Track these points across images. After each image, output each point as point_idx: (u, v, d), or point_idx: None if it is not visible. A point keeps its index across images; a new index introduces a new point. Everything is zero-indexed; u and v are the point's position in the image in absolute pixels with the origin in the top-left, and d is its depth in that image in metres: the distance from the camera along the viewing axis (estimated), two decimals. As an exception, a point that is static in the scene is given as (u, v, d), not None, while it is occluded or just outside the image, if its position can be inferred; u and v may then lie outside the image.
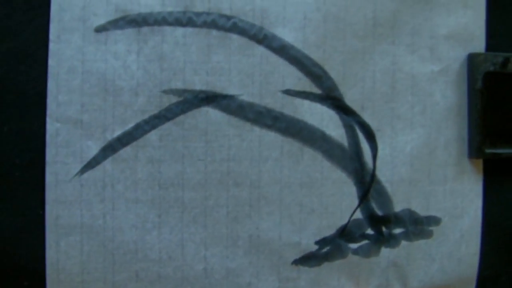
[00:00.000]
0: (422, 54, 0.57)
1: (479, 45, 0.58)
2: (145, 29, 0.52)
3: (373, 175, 0.56)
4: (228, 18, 0.53)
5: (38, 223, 0.51)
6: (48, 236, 0.51)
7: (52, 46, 0.50)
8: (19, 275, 0.51)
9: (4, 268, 0.50)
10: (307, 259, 0.55)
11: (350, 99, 0.55)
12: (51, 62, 0.50)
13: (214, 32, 0.53)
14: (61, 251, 0.51)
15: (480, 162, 0.58)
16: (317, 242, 0.55)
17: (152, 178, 0.52)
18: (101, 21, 0.51)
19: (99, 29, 0.51)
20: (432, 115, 0.57)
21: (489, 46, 0.58)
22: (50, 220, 0.51)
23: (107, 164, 0.51)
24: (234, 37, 0.53)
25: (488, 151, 0.57)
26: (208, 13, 0.52)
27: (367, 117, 0.56)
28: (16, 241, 0.50)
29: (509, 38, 0.59)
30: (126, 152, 0.52)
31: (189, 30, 0.52)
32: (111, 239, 0.52)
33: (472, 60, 0.57)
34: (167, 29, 0.52)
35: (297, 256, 0.55)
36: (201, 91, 0.52)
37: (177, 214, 0.53)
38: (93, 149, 0.51)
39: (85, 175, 0.51)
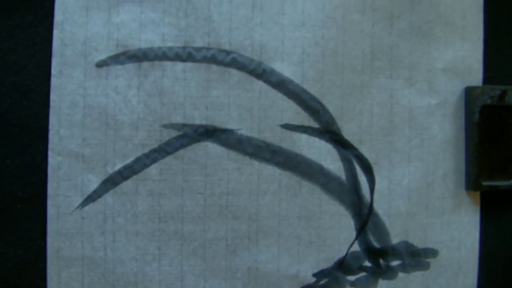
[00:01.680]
0: (420, 87, 0.57)
1: (476, 77, 0.59)
2: (145, 64, 0.53)
3: (370, 208, 0.56)
4: (228, 53, 0.54)
5: (39, 255, 0.51)
6: (49, 268, 0.51)
7: (54, 80, 0.51)
8: (20, 307, 0.52)
9: (6, 300, 0.51)
10: (305, 291, 0.56)
11: (348, 133, 0.56)
12: (53, 96, 0.51)
13: (214, 67, 0.54)
14: (62, 283, 0.52)
15: (477, 194, 0.59)
16: (315, 274, 0.56)
17: (152, 211, 0.53)
18: (102, 56, 0.52)
19: (100, 64, 0.52)
20: (430, 148, 0.58)
21: (487, 79, 0.59)
22: (52, 252, 0.51)
23: (108, 197, 0.52)
24: (233, 71, 0.54)
25: (485, 183, 0.58)
26: (207, 48, 0.53)
27: (364, 151, 0.56)
28: (18, 272, 0.51)
29: (507, 71, 0.59)
30: (126, 185, 0.52)
31: (189, 65, 0.53)
32: (112, 271, 0.52)
33: (469, 93, 0.58)
34: (167, 64, 0.53)
35: (295, 288, 0.56)
36: (200, 126, 0.53)
37: (176, 247, 0.53)
38: (94, 183, 0.52)
39: (86, 208, 0.52)
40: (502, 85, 0.59)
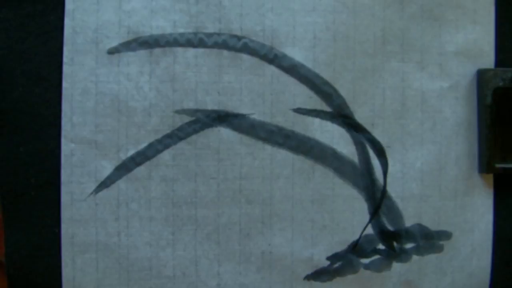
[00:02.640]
0: (432, 70, 0.57)
1: (488, 60, 0.58)
2: (157, 50, 0.53)
3: (383, 191, 0.56)
4: (239, 38, 0.54)
5: (54, 241, 0.52)
6: (64, 254, 0.52)
7: (66, 68, 0.51)
8: (36, 293, 0.52)
9: (21, 286, 0.52)
10: (319, 274, 0.56)
11: (360, 116, 0.56)
12: (65, 84, 0.51)
13: (225, 53, 0.54)
14: (77, 268, 0.52)
15: (490, 176, 0.59)
16: (328, 258, 0.56)
17: (166, 196, 0.53)
18: (114, 43, 0.52)
19: (112, 51, 0.52)
20: (442, 131, 0.57)
21: (499, 61, 0.58)
22: (66, 239, 0.52)
23: (121, 183, 0.52)
24: (245, 57, 0.54)
25: (498, 165, 0.58)
26: (219, 34, 0.53)
27: (377, 134, 0.56)
28: (33, 258, 0.52)
29: (519, 54, 0.59)
30: (139, 171, 0.53)
31: (200, 51, 0.53)
32: (126, 257, 0.53)
33: (481, 76, 0.57)
34: (179, 50, 0.53)
35: (309, 272, 0.56)
36: (213, 111, 0.53)
37: (190, 232, 0.53)
38: (108, 169, 0.52)
39: (100, 194, 0.52)
40: (514, 67, 0.59)
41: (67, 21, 0.51)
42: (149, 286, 0.53)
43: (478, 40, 0.58)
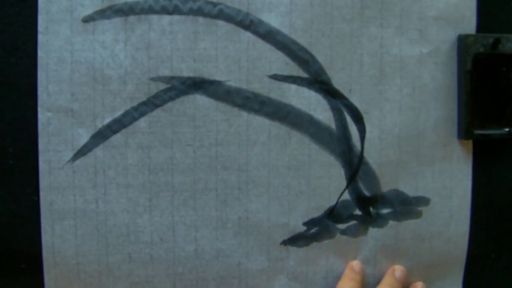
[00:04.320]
0: (411, 36, 0.57)
1: (469, 25, 0.58)
2: (131, 18, 0.52)
3: (361, 157, 0.57)
4: (214, 4, 0.53)
5: (32, 209, 0.53)
6: (43, 221, 0.53)
7: (41, 37, 0.52)
8: (16, 258, 0.53)
9: (1, 252, 0.53)
10: (296, 240, 0.56)
11: (338, 82, 0.56)
12: (40, 53, 0.52)
13: (201, 19, 0.53)
14: (56, 235, 0.53)
15: (469, 142, 0.58)
16: (305, 223, 0.56)
17: (142, 163, 0.54)
18: (88, 11, 0.52)
19: (87, 19, 0.52)
20: (421, 97, 0.57)
21: (480, 27, 0.58)
22: (45, 206, 0.53)
23: (98, 151, 0.53)
24: (221, 23, 0.54)
25: (477, 132, 0.57)
26: (194, 0, 0.53)
27: (355, 100, 0.56)
28: (12, 226, 0.53)
29: (501, 18, 0.58)
30: (116, 139, 0.53)
31: (176, 17, 0.53)
32: (104, 223, 0.54)
33: (462, 41, 0.57)
34: (154, 17, 0.53)
35: (285, 237, 0.56)
36: (188, 78, 0.53)
37: (167, 198, 0.54)
38: (84, 137, 0.53)
39: (77, 162, 0.53)
40: (496, 33, 0.58)
41: (41, -11, 0.52)
42: (127, 251, 0.54)
43: (460, 5, 0.57)
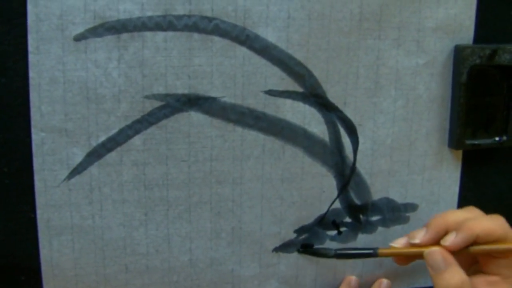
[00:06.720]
0: (408, 47, 0.56)
1: (467, 35, 0.57)
2: (125, 35, 0.51)
3: (353, 168, 0.57)
4: (210, 20, 0.52)
5: (30, 225, 0.53)
6: (41, 236, 0.53)
7: (31, 57, 0.50)
8: (15, 271, 0.54)
9: (1, 266, 0.54)
10: (287, 246, 0.58)
11: (333, 95, 0.55)
12: (31, 74, 0.50)
13: (196, 35, 0.52)
14: (54, 249, 0.54)
15: (459, 151, 0.59)
16: (296, 231, 0.58)
17: (138, 180, 0.54)
18: (80, 29, 0.50)
19: (78, 38, 0.50)
20: (415, 108, 0.57)
21: (478, 37, 0.57)
22: (42, 223, 0.53)
23: (93, 169, 0.53)
24: (216, 39, 0.52)
25: (468, 142, 0.58)
26: (189, 16, 0.51)
27: (349, 112, 0.56)
28: (11, 243, 0.53)
29: (499, 27, 0.58)
30: (111, 156, 0.53)
31: (170, 34, 0.52)
32: (101, 237, 0.54)
33: (458, 53, 0.56)
34: (148, 34, 0.51)
35: (277, 244, 0.58)
36: (183, 95, 0.53)
37: (162, 212, 0.55)
38: (79, 156, 0.52)
39: (73, 180, 0.53)
40: (493, 43, 0.57)
41: (30, 8, 0.49)
42: (123, 263, 0.56)
43: (459, 15, 0.56)
